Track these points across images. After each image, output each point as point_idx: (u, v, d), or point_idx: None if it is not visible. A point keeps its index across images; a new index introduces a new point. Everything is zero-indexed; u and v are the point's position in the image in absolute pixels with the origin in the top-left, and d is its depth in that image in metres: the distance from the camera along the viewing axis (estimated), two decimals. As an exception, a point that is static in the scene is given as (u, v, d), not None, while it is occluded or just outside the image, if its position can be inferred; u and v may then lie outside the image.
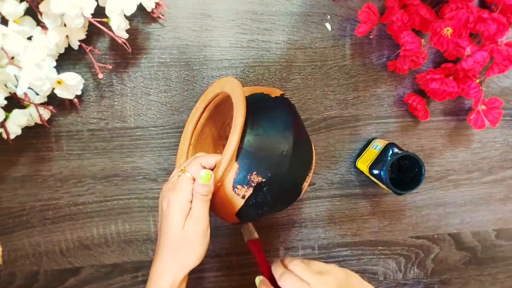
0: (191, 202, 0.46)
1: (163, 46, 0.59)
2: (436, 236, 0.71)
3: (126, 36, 0.54)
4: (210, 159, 0.48)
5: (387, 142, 0.62)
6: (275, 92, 0.53)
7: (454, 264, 0.73)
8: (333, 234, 0.68)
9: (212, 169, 0.47)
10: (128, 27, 0.55)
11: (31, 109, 0.54)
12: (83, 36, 0.54)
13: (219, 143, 0.62)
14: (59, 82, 0.53)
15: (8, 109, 0.52)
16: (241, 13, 0.60)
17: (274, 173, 0.47)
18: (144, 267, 0.64)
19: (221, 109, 0.59)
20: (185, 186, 0.46)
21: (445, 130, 0.68)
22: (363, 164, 0.63)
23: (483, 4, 0.63)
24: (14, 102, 0.53)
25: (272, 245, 0.67)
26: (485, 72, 0.60)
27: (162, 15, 0.58)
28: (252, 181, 0.47)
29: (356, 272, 0.52)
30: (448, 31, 0.54)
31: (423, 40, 0.57)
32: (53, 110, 0.55)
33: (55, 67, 0.53)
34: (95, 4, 0.50)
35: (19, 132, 0.54)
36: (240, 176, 0.47)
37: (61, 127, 0.59)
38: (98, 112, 0.59)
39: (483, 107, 0.63)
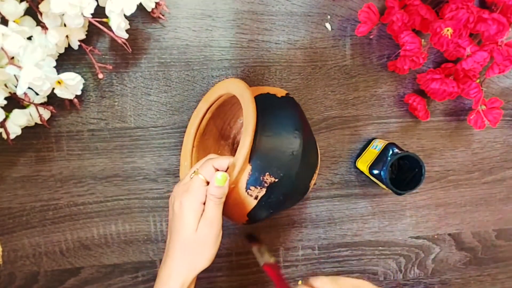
0: (203, 204, 0.46)
1: (163, 46, 0.59)
2: (436, 236, 0.71)
3: (126, 36, 0.54)
4: (223, 161, 0.48)
5: (387, 142, 0.62)
6: (280, 92, 0.53)
7: (454, 264, 0.73)
8: (333, 234, 0.68)
9: (224, 171, 0.47)
10: (128, 27, 0.55)
11: (31, 109, 0.54)
12: (83, 36, 0.54)
13: (220, 143, 0.62)
14: (59, 82, 0.53)
15: (8, 109, 0.52)
16: (241, 13, 0.60)
17: (286, 172, 0.48)
18: (144, 268, 0.64)
19: (222, 110, 0.59)
20: (198, 188, 0.46)
21: (445, 130, 0.68)
22: (363, 164, 0.63)
23: (483, 4, 0.63)
24: (14, 102, 0.53)
25: (272, 245, 0.67)
26: (485, 72, 0.60)
27: (162, 15, 0.57)
28: (265, 182, 0.47)
29: (356, 272, 0.52)
30: (448, 31, 0.54)
31: (423, 40, 0.57)
32: (53, 110, 0.55)
33: (55, 67, 0.53)
34: (95, 4, 0.50)
35: (19, 132, 0.54)
36: (253, 177, 0.48)
37: (61, 127, 0.59)
38: (98, 112, 0.59)
39: (483, 107, 0.63)
